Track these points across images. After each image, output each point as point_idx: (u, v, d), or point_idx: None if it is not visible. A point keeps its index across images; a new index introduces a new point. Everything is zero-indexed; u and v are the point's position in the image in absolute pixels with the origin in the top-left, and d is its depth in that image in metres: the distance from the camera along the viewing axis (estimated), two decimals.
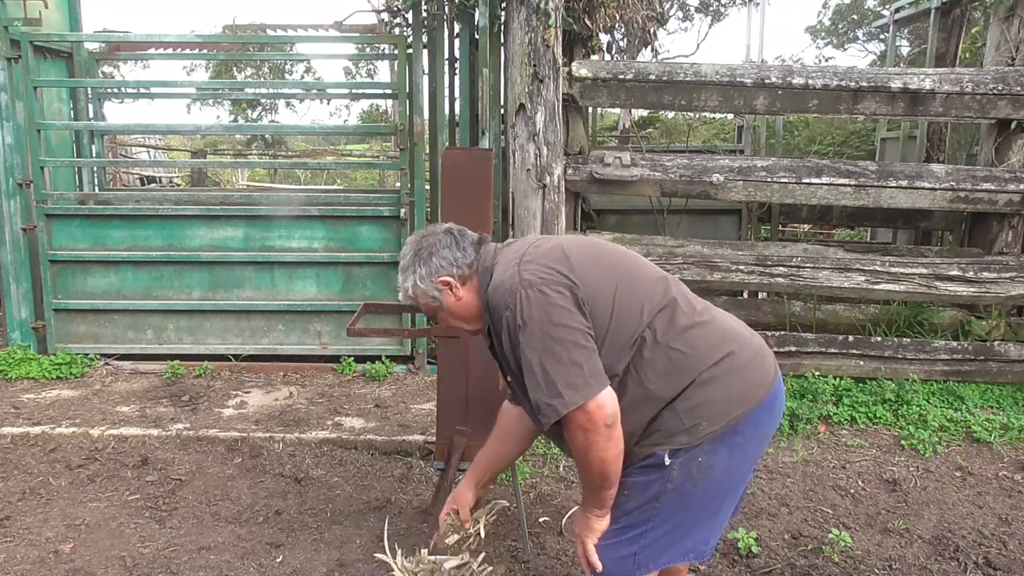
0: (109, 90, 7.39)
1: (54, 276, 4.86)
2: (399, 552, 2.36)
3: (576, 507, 3.20)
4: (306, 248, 4.90)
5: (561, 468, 3.56)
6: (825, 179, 4.32)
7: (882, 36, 17.39)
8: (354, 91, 14.41)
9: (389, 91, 7.06)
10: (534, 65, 4.03)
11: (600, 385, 1.66)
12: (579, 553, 1.89)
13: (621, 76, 4.29)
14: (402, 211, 4.78)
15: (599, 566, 1.82)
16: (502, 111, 4.74)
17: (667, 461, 1.76)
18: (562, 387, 1.65)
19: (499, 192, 4.75)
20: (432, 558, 2.28)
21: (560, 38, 4.10)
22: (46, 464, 3.52)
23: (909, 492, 3.39)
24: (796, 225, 9.33)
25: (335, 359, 4.94)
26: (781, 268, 4.34)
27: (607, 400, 1.67)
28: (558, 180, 4.15)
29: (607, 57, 5.01)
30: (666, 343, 1.75)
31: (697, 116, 16.30)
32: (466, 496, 2.14)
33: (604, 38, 4.72)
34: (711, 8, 21.12)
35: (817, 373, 4.32)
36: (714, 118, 17.21)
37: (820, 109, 4.41)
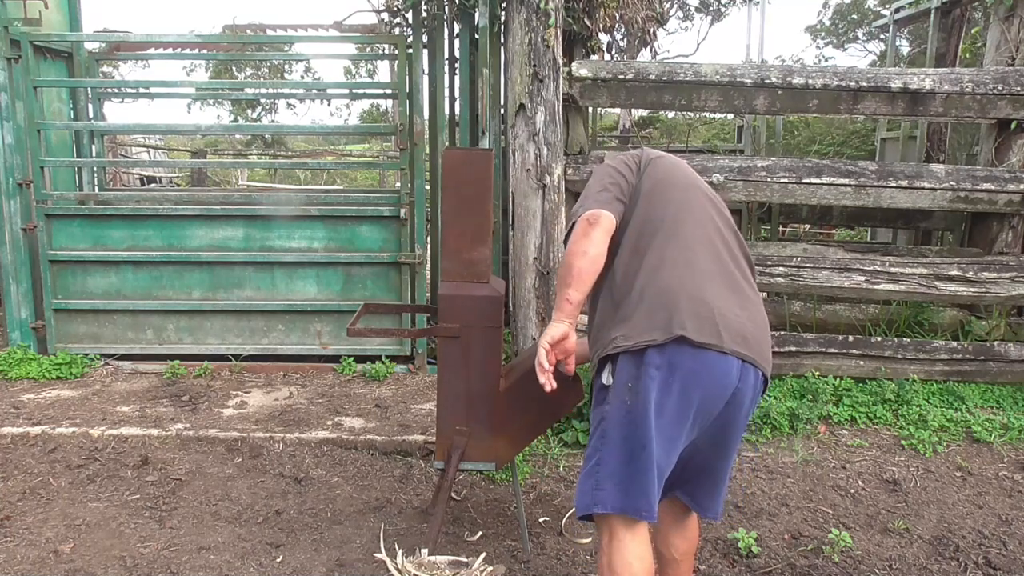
0: (109, 90, 7.39)
1: (54, 276, 4.86)
2: (399, 552, 2.36)
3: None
4: (306, 248, 4.90)
5: (561, 468, 3.56)
6: (825, 179, 4.32)
7: (882, 36, 17.39)
8: (354, 91, 14.42)
9: (389, 91, 7.06)
10: (534, 65, 4.03)
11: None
12: (536, 361, 2.02)
13: (621, 76, 4.29)
14: (402, 211, 4.78)
15: (545, 364, 1.99)
16: (502, 111, 4.74)
17: (606, 380, 1.94)
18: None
19: (499, 192, 4.75)
20: (432, 558, 2.28)
21: (560, 38, 4.10)
22: (46, 464, 3.52)
23: (909, 492, 3.39)
24: (796, 225, 9.34)
25: (335, 359, 4.94)
26: (781, 268, 4.34)
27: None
28: (558, 180, 4.15)
29: (607, 57, 5.01)
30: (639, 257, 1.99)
31: (697, 116, 16.31)
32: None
33: (604, 38, 4.71)
34: (711, 8, 21.13)
35: (817, 373, 4.32)
36: (714, 118, 17.23)
37: (820, 109, 4.41)
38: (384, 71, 21.99)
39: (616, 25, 4.55)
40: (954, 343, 4.39)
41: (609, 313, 2.00)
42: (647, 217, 2.02)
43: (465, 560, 2.31)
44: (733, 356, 1.86)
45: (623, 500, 1.88)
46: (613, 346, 1.92)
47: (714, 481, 2.09)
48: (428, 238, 5.34)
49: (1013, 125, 4.46)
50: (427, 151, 5.18)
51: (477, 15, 4.59)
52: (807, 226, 9.70)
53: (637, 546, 1.91)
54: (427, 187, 5.38)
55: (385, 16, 5.10)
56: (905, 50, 13.13)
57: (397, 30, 5.05)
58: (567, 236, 2.05)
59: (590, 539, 2.98)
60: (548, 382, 1.98)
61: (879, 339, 4.39)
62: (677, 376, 1.85)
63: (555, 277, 4.12)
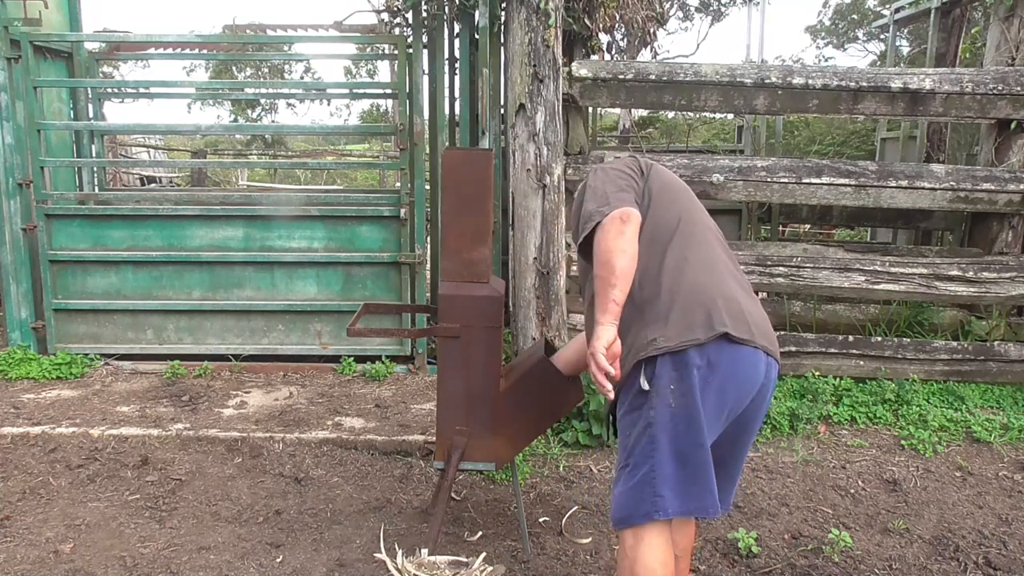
0: (109, 90, 7.39)
1: (54, 276, 4.86)
2: (399, 552, 2.36)
3: (575, 506, 3.21)
4: (306, 248, 4.90)
5: (561, 468, 3.56)
6: (825, 179, 4.32)
7: (882, 36, 17.40)
8: (354, 91, 14.43)
9: (389, 91, 7.06)
10: (534, 65, 4.03)
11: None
12: (591, 370, 1.85)
13: (621, 76, 4.29)
14: (402, 211, 4.78)
15: (610, 371, 1.83)
16: (502, 111, 4.74)
17: (644, 385, 1.88)
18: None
19: (499, 192, 4.75)
20: (432, 558, 2.28)
21: (560, 38, 4.10)
22: (46, 464, 3.52)
23: (909, 492, 3.39)
24: (796, 225, 9.33)
25: (335, 359, 4.94)
26: (781, 268, 4.34)
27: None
28: (558, 180, 4.14)
29: (607, 57, 5.01)
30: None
31: (697, 116, 16.31)
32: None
33: (604, 38, 4.71)
34: (711, 8, 21.13)
35: (817, 373, 4.32)
36: (714, 118, 17.23)
37: (820, 109, 4.41)
38: (384, 71, 22.00)
39: (616, 25, 4.55)
40: (954, 343, 4.39)
41: (634, 316, 1.95)
42: (658, 220, 2.04)
43: (465, 560, 2.31)
44: (761, 351, 1.91)
45: (686, 503, 1.87)
46: (654, 348, 1.87)
47: (730, 474, 2.10)
48: (428, 238, 5.34)
49: (1013, 125, 4.46)
50: (427, 151, 5.18)
51: (477, 15, 4.59)
52: (807, 226, 9.70)
53: (663, 552, 1.90)
54: (427, 187, 5.38)
55: (385, 16, 5.09)
56: (905, 50, 13.13)
57: (397, 30, 5.05)
58: (583, 236, 2.00)
59: (590, 539, 2.98)
60: (610, 391, 1.85)
61: (879, 339, 4.40)
62: (717, 374, 1.85)
63: (555, 277, 4.12)
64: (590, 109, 7.25)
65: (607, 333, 1.84)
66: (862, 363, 4.38)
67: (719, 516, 1.90)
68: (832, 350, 4.37)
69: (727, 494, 2.10)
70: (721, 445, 2.00)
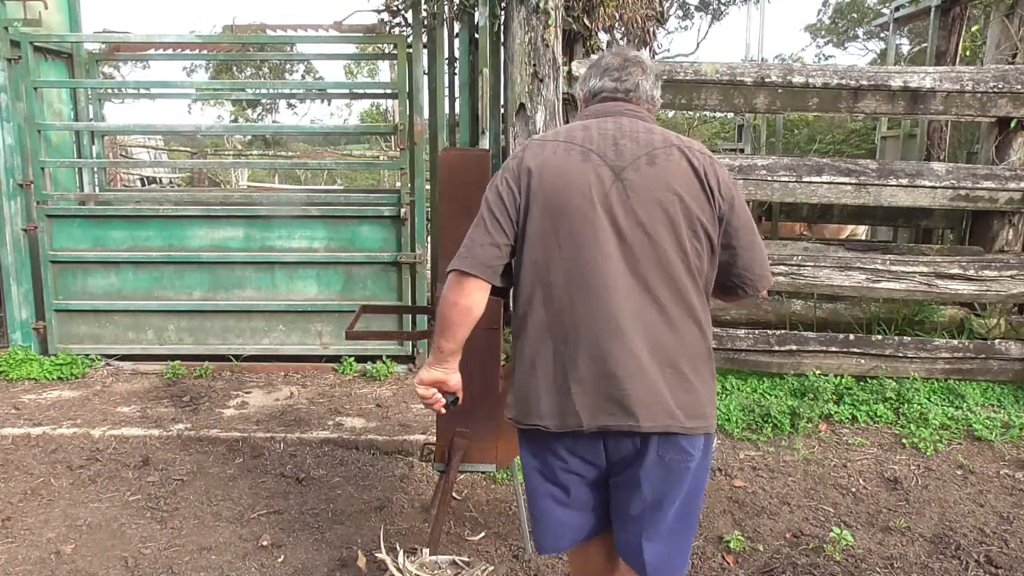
0: (109, 90, 7.39)
1: (55, 277, 4.86)
2: (400, 552, 2.36)
3: None
4: (306, 248, 4.90)
5: None
6: (825, 177, 4.31)
7: (882, 34, 17.38)
8: (354, 91, 14.40)
9: (389, 91, 7.05)
10: (534, 64, 4.03)
11: None
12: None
13: None
14: (402, 211, 4.78)
15: (428, 403, 1.92)
16: (502, 110, 4.73)
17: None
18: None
19: None
20: (433, 558, 2.28)
21: (560, 37, 4.10)
22: (47, 465, 3.53)
23: (910, 490, 3.39)
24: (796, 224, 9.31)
25: (336, 359, 4.94)
26: (782, 267, 4.34)
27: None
28: None
29: None
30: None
31: (697, 115, 16.30)
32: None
33: (604, 37, 4.71)
34: (711, 7, 21.12)
35: (818, 372, 4.32)
36: (714, 117, 17.21)
37: (820, 107, 4.41)
38: (385, 71, 22.01)
39: (616, 24, 4.55)
40: (955, 341, 4.38)
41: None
42: (532, 259, 1.74)
43: (466, 560, 2.31)
44: (611, 436, 1.70)
45: (538, 540, 1.91)
46: (506, 413, 1.85)
47: (621, 523, 1.82)
48: (428, 237, 5.34)
49: (1013, 123, 4.46)
50: (427, 151, 5.18)
51: (477, 15, 4.59)
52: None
53: (580, 567, 2.01)
54: (427, 187, 5.38)
55: (385, 16, 5.09)
56: (905, 48, 13.12)
57: (397, 30, 5.05)
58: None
59: None
60: (438, 408, 1.93)
61: (880, 337, 4.39)
62: (542, 462, 1.80)
63: None
64: None
65: (427, 374, 1.88)
66: (863, 361, 4.37)
67: (545, 556, 2.00)
68: (833, 348, 4.37)
69: (626, 547, 1.81)
70: (613, 503, 1.83)
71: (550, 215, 1.71)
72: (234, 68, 21.49)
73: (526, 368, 1.75)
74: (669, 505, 1.74)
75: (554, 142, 1.77)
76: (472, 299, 1.76)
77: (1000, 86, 4.23)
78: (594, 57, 2.02)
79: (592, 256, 1.68)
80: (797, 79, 4.25)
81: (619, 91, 1.85)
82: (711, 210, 1.71)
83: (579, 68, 4.27)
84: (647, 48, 5.23)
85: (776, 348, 4.37)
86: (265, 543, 2.89)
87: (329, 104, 33.74)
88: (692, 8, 20.89)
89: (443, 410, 1.94)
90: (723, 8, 21.21)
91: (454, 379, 1.90)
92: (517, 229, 1.75)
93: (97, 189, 5.91)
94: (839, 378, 4.30)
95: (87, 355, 4.87)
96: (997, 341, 4.38)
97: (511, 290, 1.88)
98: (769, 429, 3.92)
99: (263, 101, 20.67)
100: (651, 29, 4.80)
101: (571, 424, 1.69)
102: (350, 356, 4.90)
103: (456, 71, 5.01)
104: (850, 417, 4.06)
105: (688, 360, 1.69)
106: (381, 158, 13.55)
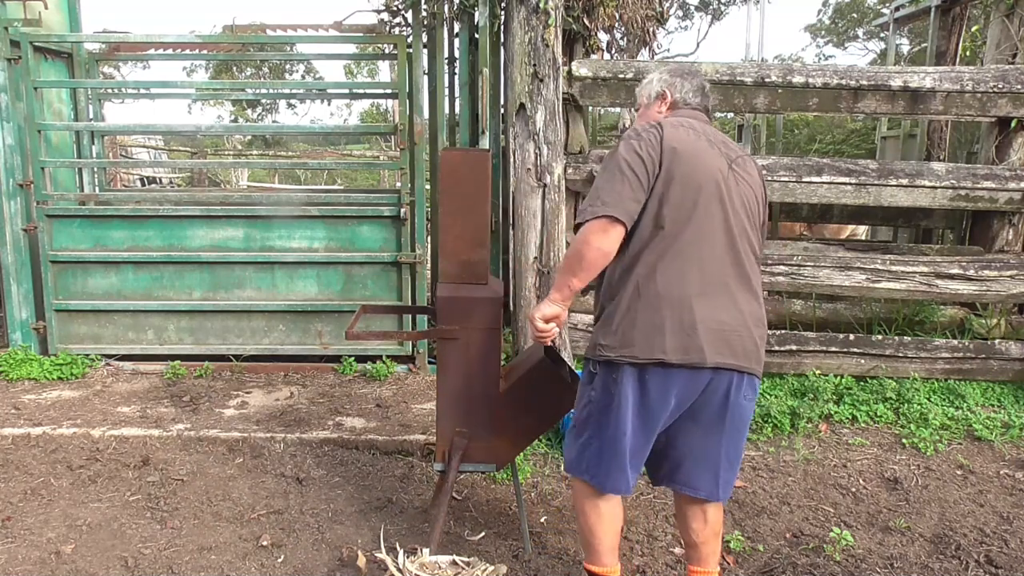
0: (109, 90, 7.39)
1: (55, 277, 4.86)
2: (401, 552, 2.36)
3: None
4: (306, 248, 4.90)
5: (562, 468, 3.55)
6: (825, 178, 4.31)
7: (882, 34, 17.38)
8: (354, 91, 14.40)
9: (389, 91, 7.05)
10: (534, 64, 4.03)
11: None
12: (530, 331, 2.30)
13: (621, 75, 4.29)
14: (402, 211, 4.78)
15: (545, 338, 2.28)
16: (502, 110, 4.74)
17: (593, 368, 2.17)
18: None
19: (499, 191, 4.75)
20: (433, 558, 2.28)
21: (560, 37, 4.10)
22: (47, 465, 3.53)
23: (910, 490, 3.39)
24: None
25: (336, 359, 4.94)
26: (782, 267, 4.34)
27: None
28: (558, 179, 4.14)
29: (607, 56, 5.01)
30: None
31: None
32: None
33: (604, 37, 4.72)
34: (711, 7, 21.12)
35: (818, 372, 4.32)
36: (714, 117, 17.22)
37: (820, 108, 4.41)
38: (385, 71, 22.01)
39: (616, 24, 4.55)
40: (955, 341, 4.38)
41: (600, 308, 2.20)
42: (652, 218, 2.06)
43: (466, 560, 2.31)
44: (709, 371, 2.04)
45: (596, 477, 2.19)
46: (599, 353, 2.12)
47: (697, 461, 2.19)
48: (429, 237, 5.34)
49: (1014, 123, 4.46)
50: (427, 151, 5.18)
51: (477, 15, 4.59)
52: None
53: (595, 497, 2.25)
54: (427, 186, 5.38)
55: (385, 16, 5.09)
56: (905, 48, 13.12)
57: (397, 30, 5.05)
58: (575, 224, 2.15)
59: None
60: (546, 340, 2.29)
61: (880, 337, 4.39)
62: (647, 395, 2.07)
63: (555, 276, 4.12)
64: (590, 108, 7.25)
65: (549, 308, 2.20)
66: (863, 361, 4.38)
67: (629, 495, 2.29)
68: (833, 349, 4.37)
69: (704, 480, 2.20)
70: (677, 436, 2.18)
71: (685, 186, 2.03)
72: (234, 68, 21.50)
73: (651, 311, 2.03)
74: (741, 436, 2.19)
75: (684, 128, 2.11)
76: (614, 245, 2.05)
77: (1000, 86, 4.23)
78: (679, 66, 2.40)
79: (714, 229, 2.04)
80: (797, 79, 4.25)
81: (708, 108, 2.32)
82: (762, 213, 2.20)
83: (579, 68, 4.27)
84: (647, 48, 5.24)
85: (776, 348, 4.37)
86: (265, 543, 2.89)
87: (329, 104, 33.78)
88: (692, 8, 20.90)
89: (552, 343, 2.29)
90: (723, 8, 21.22)
91: (565, 315, 2.24)
92: (648, 194, 2.05)
93: (97, 189, 5.91)
94: (839, 378, 4.30)
95: (87, 355, 4.87)
96: (997, 341, 4.38)
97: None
98: (769, 429, 3.92)
99: (263, 101, 20.67)
100: (651, 29, 4.80)
101: (694, 359, 2.00)
102: (350, 356, 4.90)
103: (456, 71, 5.01)
104: (850, 417, 4.06)
105: (760, 322, 2.13)
106: (381, 158, 13.55)
